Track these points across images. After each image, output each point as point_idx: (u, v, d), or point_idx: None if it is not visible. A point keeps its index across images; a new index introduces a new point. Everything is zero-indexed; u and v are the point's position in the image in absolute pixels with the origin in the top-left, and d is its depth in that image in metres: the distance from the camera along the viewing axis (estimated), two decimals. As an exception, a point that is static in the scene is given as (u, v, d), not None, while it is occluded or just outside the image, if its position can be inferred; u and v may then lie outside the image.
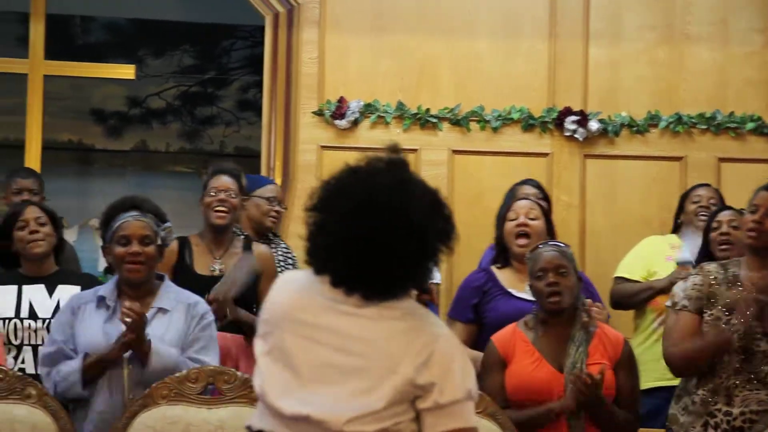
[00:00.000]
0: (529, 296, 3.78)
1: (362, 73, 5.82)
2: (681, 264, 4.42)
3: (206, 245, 4.25)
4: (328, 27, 5.79)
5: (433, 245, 2.23)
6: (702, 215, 4.62)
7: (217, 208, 4.22)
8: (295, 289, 2.28)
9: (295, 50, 5.77)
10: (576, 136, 5.81)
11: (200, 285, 3.92)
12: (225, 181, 4.28)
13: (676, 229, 4.77)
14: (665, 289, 4.31)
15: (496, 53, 5.86)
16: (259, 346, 2.28)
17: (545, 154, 5.84)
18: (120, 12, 6.94)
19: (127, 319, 3.33)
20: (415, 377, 2.17)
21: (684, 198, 4.83)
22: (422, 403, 2.19)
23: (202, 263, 4.20)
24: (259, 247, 4.30)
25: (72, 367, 3.40)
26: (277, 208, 4.65)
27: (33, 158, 5.96)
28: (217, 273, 4.15)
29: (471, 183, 5.77)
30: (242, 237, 4.38)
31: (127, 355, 3.40)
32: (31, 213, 3.98)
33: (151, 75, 7.09)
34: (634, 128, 5.86)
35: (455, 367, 2.21)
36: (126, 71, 6.36)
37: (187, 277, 4.01)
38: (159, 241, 3.53)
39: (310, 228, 2.26)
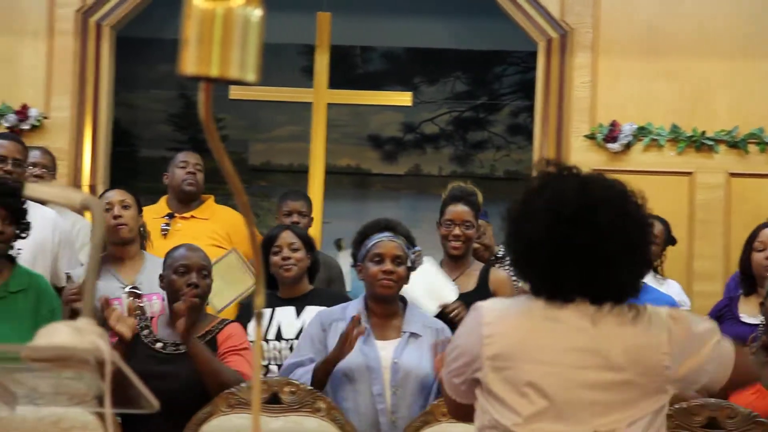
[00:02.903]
0: (757, 321, 3.69)
1: (635, 96, 5.79)
2: None
3: (444, 269, 4.33)
4: (601, 51, 5.79)
5: (641, 238, 2.23)
6: None
7: (453, 244, 4.29)
8: (515, 318, 2.24)
9: (567, 75, 5.80)
10: None
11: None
12: (460, 211, 4.31)
13: None
14: None
15: (778, 73, 5.68)
16: (493, 381, 2.21)
17: (830, 176, 5.61)
18: (398, 42, 7.17)
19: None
20: (677, 369, 2.19)
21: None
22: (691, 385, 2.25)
23: None
24: (496, 272, 4.35)
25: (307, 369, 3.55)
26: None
27: (316, 183, 6.23)
28: None
29: (749, 206, 5.60)
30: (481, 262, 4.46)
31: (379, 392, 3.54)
32: (286, 239, 4.13)
33: (425, 101, 7.30)
34: None
35: (693, 331, 2.23)
36: (403, 98, 6.58)
37: None
38: (408, 263, 3.64)
39: (520, 251, 2.25)
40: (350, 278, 4.90)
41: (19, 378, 1.85)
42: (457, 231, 4.28)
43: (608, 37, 5.80)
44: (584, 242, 2.15)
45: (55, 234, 4.31)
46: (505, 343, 2.20)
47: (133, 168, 7.15)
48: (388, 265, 3.59)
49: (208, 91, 1.55)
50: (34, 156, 4.81)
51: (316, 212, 6.02)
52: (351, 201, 7.39)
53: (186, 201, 4.96)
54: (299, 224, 4.66)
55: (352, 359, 3.53)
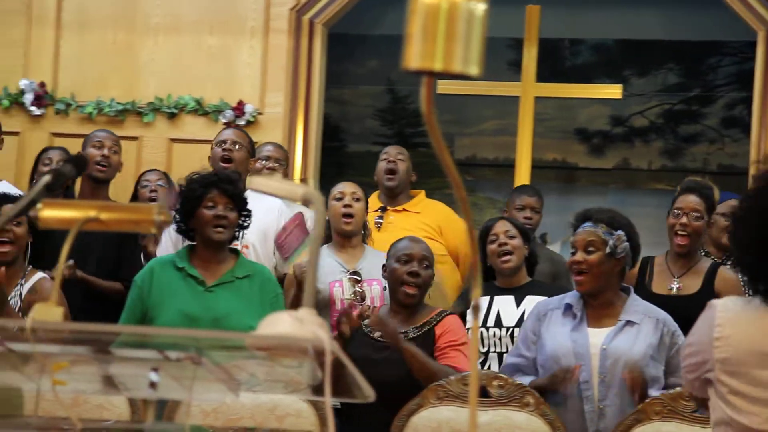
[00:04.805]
0: None
1: None
2: None
3: (667, 265, 4.21)
4: (826, 39, 5.53)
5: None
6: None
7: (680, 233, 4.18)
8: (747, 322, 2.18)
9: (788, 65, 5.57)
10: None
11: (655, 304, 3.84)
12: (691, 201, 4.21)
13: None
14: None
15: None
16: (726, 385, 2.18)
17: None
18: (607, 33, 7.04)
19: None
20: None
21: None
22: None
23: (661, 282, 4.19)
24: (724, 272, 4.18)
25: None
26: None
27: (522, 176, 6.20)
28: (674, 292, 4.11)
29: None
30: (710, 258, 4.32)
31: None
32: (502, 227, 4.17)
33: (635, 94, 7.13)
34: None
35: None
36: (613, 91, 6.46)
37: (642, 296, 4.00)
38: (608, 250, 3.56)
39: (738, 254, 2.19)
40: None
41: (239, 364, 1.92)
42: (684, 220, 4.17)
43: (833, 25, 5.53)
44: None
45: (280, 222, 4.45)
46: (735, 349, 2.16)
47: (341, 162, 7.29)
48: (578, 256, 3.57)
49: (430, 85, 1.56)
50: (267, 150, 4.98)
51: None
52: (557, 195, 7.29)
53: (391, 195, 5.01)
54: (531, 219, 4.71)
55: (560, 346, 3.54)
